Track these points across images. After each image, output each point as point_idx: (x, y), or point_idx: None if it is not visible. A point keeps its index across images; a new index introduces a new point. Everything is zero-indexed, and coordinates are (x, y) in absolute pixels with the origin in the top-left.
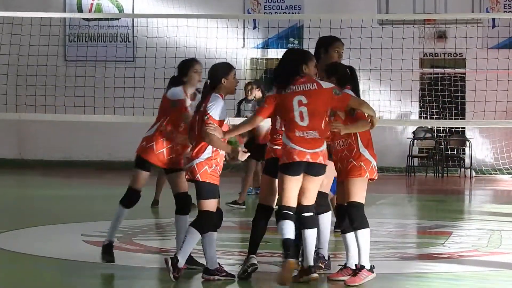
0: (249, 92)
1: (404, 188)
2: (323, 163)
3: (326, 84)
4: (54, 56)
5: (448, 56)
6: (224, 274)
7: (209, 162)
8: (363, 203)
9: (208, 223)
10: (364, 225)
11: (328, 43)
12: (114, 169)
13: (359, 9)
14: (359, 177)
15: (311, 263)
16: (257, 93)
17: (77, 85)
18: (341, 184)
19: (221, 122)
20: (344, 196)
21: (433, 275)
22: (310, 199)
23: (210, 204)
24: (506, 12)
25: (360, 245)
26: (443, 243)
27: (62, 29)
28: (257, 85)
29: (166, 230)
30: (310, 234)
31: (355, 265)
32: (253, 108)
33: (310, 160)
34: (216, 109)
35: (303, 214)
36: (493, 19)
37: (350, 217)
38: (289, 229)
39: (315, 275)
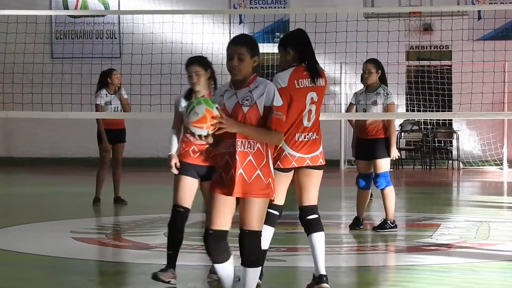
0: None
1: (392, 180)
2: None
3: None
4: (40, 53)
5: (434, 48)
6: None
7: None
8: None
9: None
10: (260, 261)
11: None
12: None
13: (345, 3)
14: (266, 197)
15: (323, 271)
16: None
17: (64, 82)
18: (225, 200)
19: None
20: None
21: (421, 267)
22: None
23: None
24: (492, 4)
25: (248, 285)
26: (431, 235)
27: (48, 27)
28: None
29: (153, 226)
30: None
31: None
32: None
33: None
34: None
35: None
36: (479, 11)
37: (247, 249)
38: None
39: (326, 285)
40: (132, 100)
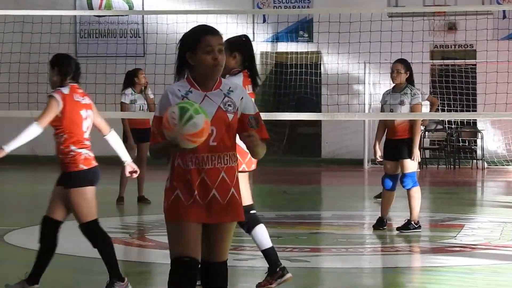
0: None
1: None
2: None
3: None
4: (65, 53)
5: (458, 47)
6: None
7: None
8: None
9: None
10: None
11: None
12: None
13: (369, 2)
14: (239, 218)
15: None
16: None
17: (88, 82)
18: (198, 227)
19: None
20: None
21: (445, 269)
22: None
23: None
24: None
25: None
26: (455, 236)
27: (72, 26)
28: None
29: None
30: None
31: None
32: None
33: None
34: None
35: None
36: (504, 11)
37: (222, 284)
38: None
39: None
40: (156, 99)
